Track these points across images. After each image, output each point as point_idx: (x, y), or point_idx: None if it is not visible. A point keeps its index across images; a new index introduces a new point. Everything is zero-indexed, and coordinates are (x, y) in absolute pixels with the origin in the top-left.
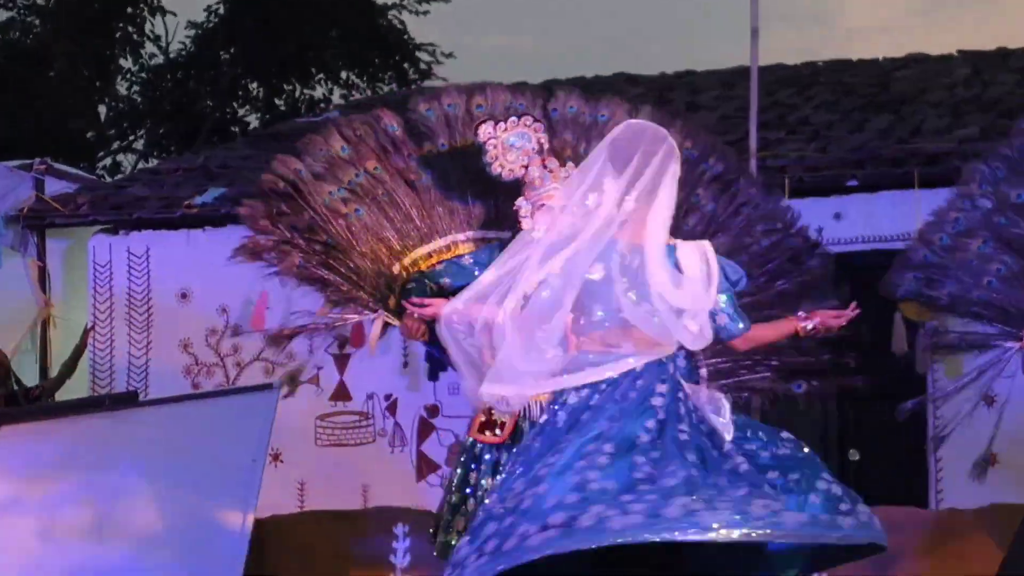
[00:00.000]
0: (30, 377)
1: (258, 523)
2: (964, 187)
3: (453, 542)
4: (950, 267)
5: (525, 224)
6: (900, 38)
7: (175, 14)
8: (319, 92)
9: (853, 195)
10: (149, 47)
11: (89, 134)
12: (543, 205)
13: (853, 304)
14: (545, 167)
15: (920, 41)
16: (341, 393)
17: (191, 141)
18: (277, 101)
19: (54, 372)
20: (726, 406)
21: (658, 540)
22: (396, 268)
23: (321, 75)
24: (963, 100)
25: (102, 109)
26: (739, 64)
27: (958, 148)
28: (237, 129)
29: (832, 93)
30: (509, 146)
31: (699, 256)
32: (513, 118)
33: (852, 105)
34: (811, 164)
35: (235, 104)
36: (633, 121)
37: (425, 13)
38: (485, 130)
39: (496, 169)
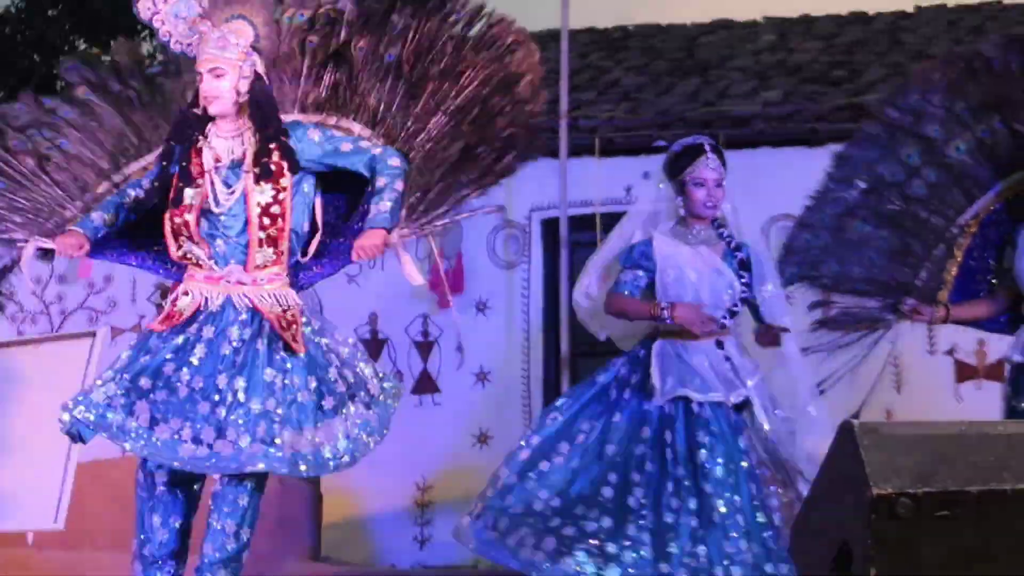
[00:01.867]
0: None
1: (81, 467)
2: (838, 170)
3: None
4: (831, 246)
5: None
6: (708, 3)
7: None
8: (146, 49)
9: (661, 155)
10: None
11: None
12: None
13: None
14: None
15: (727, 7)
16: None
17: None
18: (105, 58)
19: None
20: None
21: None
22: (103, 187)
23: (147, 31)
24: (768, 65)
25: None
26: (550, 26)
27: (762, 111)
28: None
29: (642, 57)
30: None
31: None
32: None
33: (661, 69)
34: (621, 124)
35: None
36: None
37: None
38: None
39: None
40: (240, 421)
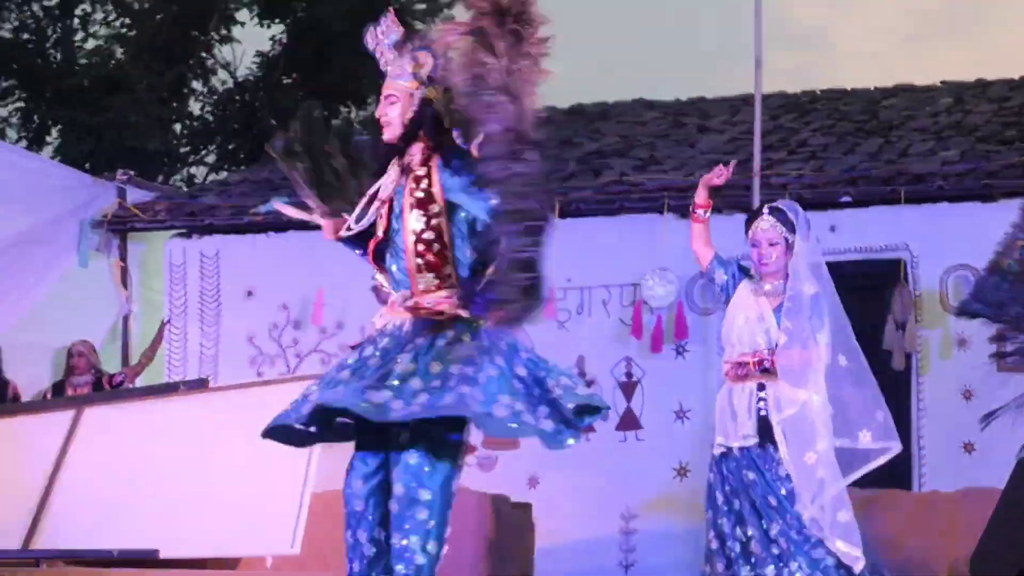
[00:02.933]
0: (113, 365)
1: (315, 496)
2: (1022, 220)
3: None
4: (1016, 291)
5: None
6: (889, 66)
7: (241, 42)
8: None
9: (846, 210)
10: (220, 72)
11: (166, 149)
12: None
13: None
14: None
15: (907, 72)
16: None
17: (257, 156)
18: (335, 122)
19: (134, 361)
20: None
21: None
22: None
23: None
24: (945, 126)
25: (177, 127)
26: (745, 92)
27: (940, 169)
28: None
29: (828, 118)
30: (389, 48)
31: None
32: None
33: (845, 129)
34: (809, 182)
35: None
36: None
37: None
38: (370, 38)
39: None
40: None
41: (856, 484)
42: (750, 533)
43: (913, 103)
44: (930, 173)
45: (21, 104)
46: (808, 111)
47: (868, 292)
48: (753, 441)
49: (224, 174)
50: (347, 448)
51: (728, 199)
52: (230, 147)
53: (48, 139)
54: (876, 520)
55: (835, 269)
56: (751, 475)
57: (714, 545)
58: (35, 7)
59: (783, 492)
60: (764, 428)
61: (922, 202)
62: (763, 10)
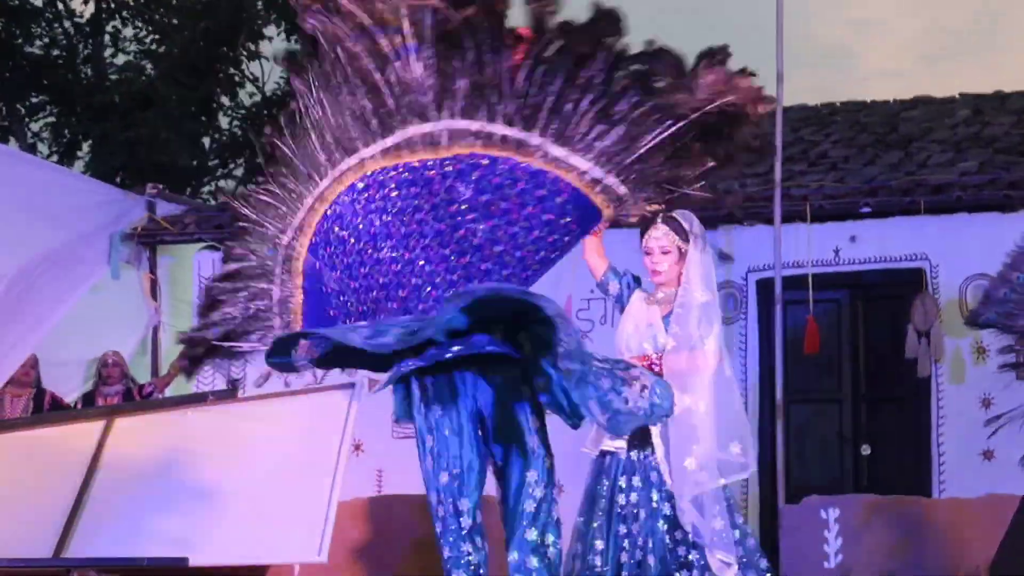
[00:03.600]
0: (143, 375)
1: (341, 505)
2: None
3: None
4: None
5: None
6: (909, 82)
7: (269, 58)
8: None
9: (866, 220)
10: (248, 87)
11: (195, 163)
12: None
13: None
14: None
15: (926, 85)
16: None
17: None
18: None
19: (163, 371)
20: None
21: None
22: None
23: None
24: (964, 138)
25: (206, 141)
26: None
27: (959, 180)
28: None
29: (848, 130)
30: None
31: None
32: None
33: (866, 141)
34: (829, 193)
35: None
36: None
37: None
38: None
39: None
40: None
41: (873, 489)
42: (623, 532)
43: (932, 115)
44: (949, 184)
45: (52, 119)
46: (828, 123)
47: (889, 301)
48: (631, 444)
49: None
50: (366, 457)
51: (750, 210)
52: (258, 161)
53: (79, 154)
54: (894, 526)
55: (856, 279)
56: (624, 480)
57: (579, 549)
58: (66, 24)
59: (655, 497)
60: (643, 432)
61: (941, 213)
62: (784, 27)
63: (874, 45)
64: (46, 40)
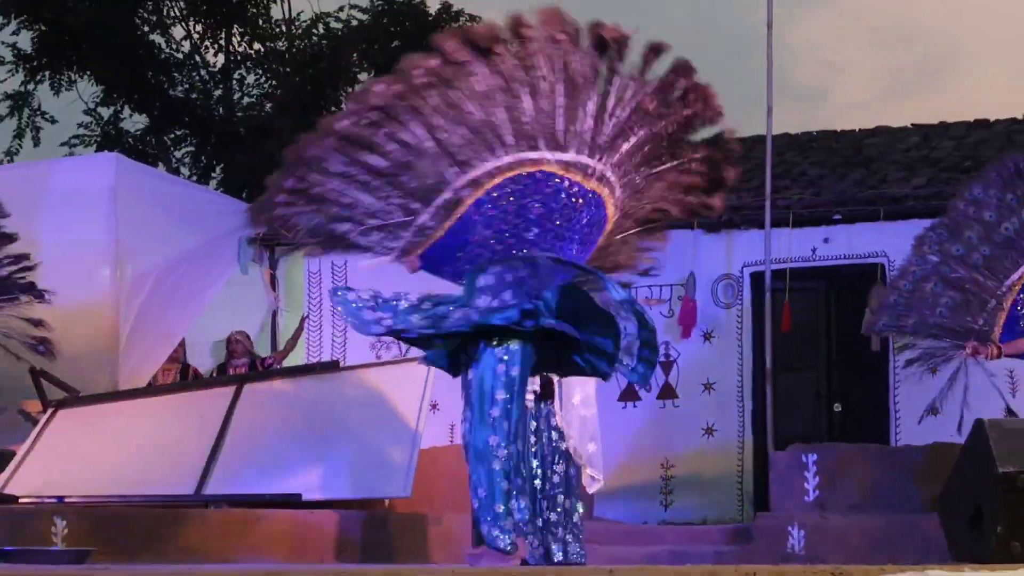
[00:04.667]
0: (264, 350)
1: (421, 452)
2: (918, 247)
3: None
4: (912, 304)
5: None
6: (870, 114)
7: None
8: None
9: (837, 226)
10: None
11: None
12: None
13: None
14: None
15: (884, 117)
16: None
17: None
18: None
19: (281, 347)
20: None
21: None
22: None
23: None
24: (915, 159)
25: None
26: (758, 133)
27: (912, 193)
28: None
29: (822, 154)
30: None
31: None
32: None
33: (836, 162)
34: (808, 203)
35: None
36: None
37: None
38: None
39: None
40: None
41: (843, 439)
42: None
43: (889, 141)
44: (904, 196)
45: (192, 148)
46: (807, 148)
47: (855, 290)
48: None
49: None
50: (442, 414)
51: (746, 216)
52: None
53: (213, 175)
54: (860, 468)
55: (829, 272)
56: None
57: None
58: (202, 72)
59: (555, 437)
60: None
61: (897, 219)
62: (773, 71)
63: (842, 84)
64: (187, 85)
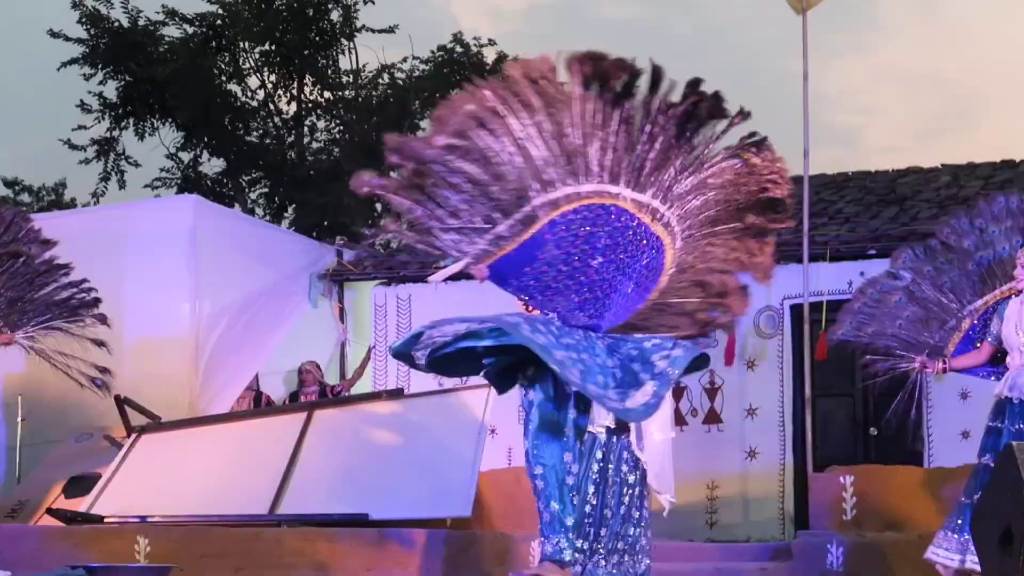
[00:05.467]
0: (333, 379)
1: (481, 474)
2: (893, 263)
3: None
4: (875, 314)
5: None
6: (903, 155)
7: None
8: None
9: (872, 260)
10: None
11: (371, 221)
12: None
13: None
14: None
15: (916, 157)
16: None
17: None
18: None
19: (349, 376)
20: None
21: None
22: None
23: None
24: (945, 198)
25: (379, 205)
26: (796, 174)
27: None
28: None
29: (857, 193)
30: None
31: None
32: None
33: (871, 201)
34: (844, 240)
35: None
36: None
37: None
38: None
39: None
40: None
41: (879, 461)
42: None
43: (921, 181)
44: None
45: (266, 190)
46: (842, 188)
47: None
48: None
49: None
50: (500, 438)
51: (785, 252)
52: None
53: (285, 215)
54: (895, 488)
55: None
56: (600, 453)
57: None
58: (276, 119)
59: (624, 468)
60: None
61: None
62: (809, 117)
63: (876, 127)
64: (261, 131)
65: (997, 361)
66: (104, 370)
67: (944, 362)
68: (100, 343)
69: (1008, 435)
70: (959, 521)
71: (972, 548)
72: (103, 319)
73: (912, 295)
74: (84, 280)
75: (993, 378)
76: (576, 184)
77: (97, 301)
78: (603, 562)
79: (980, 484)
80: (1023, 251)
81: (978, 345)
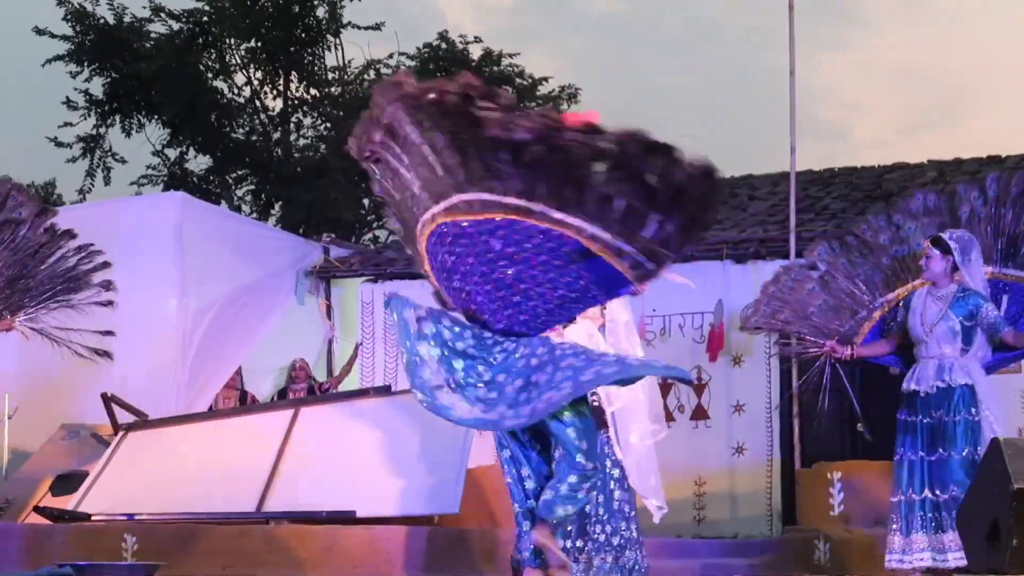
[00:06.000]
0: (321, 375)
1: (468, 471)
2: (810, 253)
3: None
4: (788, 299)
5: None
6: (889, 151)
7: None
8: None
9: None
10: None
11: (357, 218)
12: None
13: None
14: None
15: (902, 153)
16: None
17: None
18: None
19: (337, 373)
20: None
21: None
22: None
23: None
24: (931, 192)
25: (366, 201)
26: (783, 169)
27: None
28: None
29: (844, 189)
30: None
31: None
32: None
33: (857, 197)
34: (830, 235)
35: None
36: None
37: None
38: None
39: None
40: None
41: (867, 457)
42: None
43: (907, 177)
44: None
45: (252, 187)
46: (829, 184)
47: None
48: None
49: None
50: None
51: (771, 248)
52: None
53: (272, 212)
54: (881, 483)
55: None
56: None
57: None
58: (262, 117)
59: (607, 465)
60: (597, 416)
61: None
62: (796, 111)
63: (863, 123)
64: (247, 128)
65: (904, 351)
66: (107, 332)
67: (852, 348)
68: (107, 303)
69: (919, 427)
70: (899, 522)
71: (921, 546)
72: (108, 285)
73: (826, 285)
74: (90, 244)
75: (896, 370)
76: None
77: (106, 264)
78: (597, 559)
79: (902, 480)
80: (928, 243)
81: (886, 331)
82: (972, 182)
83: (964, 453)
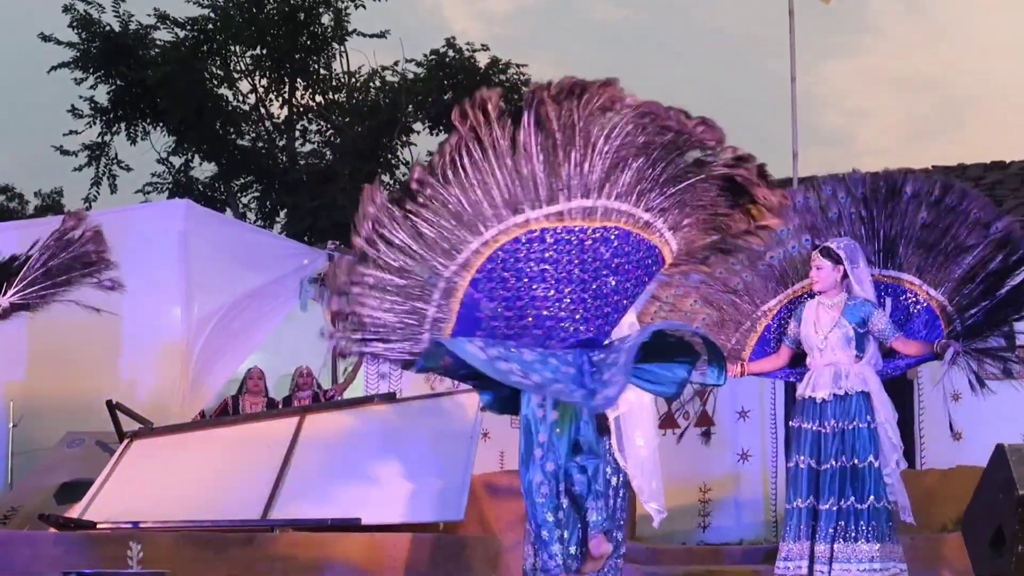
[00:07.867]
0: (325, 383)
1: (474, 478)
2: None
3: None
4: (670, 318)
5: None
6: (892, 157)
7: (417, 145)
8: None
9: None
10: (402, 168)
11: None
12: None
13: None
14: None
15: (905, 159)
16: None
17: None
18: None
19: (341, 380)
20: None
21: None
22: None
23: None
24: None
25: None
26: (785, 176)
27: None
28: None
29: None
30: None
31: None
32: None
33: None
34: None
35: None
36: None
37: None
38: None
39: None
40: None
41: None
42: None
43: None
44: None
45: (257, 194)
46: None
47: None
48: None
49: None
50: (492, 442)
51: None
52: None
53: (277, 219)
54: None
55: None
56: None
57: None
58: (267, 124)
59: (608, 471)
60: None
61: None
62: (798, 119)
63: (866, 129)
64: (253, 135)
65: (796, 362)
66: (111, 287)
67: (742, 366)
68: (112, 285)
69: (812, 435)
70: (795, 528)
71: (803, 553)
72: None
73: (707, 298)
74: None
75: (793, 379)
76: (478, 236)
77: (111, 264)
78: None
79: (796, 488)
80: (817, 253)
81: (776, 348)
82: (837, 181)
83: (868, 461)
